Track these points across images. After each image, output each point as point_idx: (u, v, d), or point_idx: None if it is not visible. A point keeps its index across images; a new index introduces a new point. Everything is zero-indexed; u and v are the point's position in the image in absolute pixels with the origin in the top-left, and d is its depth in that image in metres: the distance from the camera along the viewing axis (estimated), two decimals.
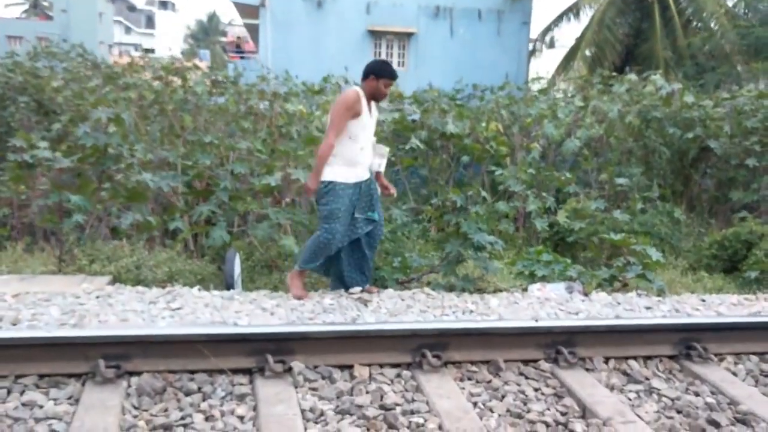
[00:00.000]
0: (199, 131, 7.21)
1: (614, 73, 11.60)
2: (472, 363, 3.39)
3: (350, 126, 4.54)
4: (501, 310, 4.49)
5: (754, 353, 3.70)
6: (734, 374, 3.49)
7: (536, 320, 3.52)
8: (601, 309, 4.64)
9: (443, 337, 3.34)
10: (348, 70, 7.91)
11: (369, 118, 4.66)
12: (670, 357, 3.61)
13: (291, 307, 4.37)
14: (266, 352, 3.14)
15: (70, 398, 2.87)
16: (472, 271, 5.39)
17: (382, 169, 4.86)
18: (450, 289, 5.11)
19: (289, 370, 3.14)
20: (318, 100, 7.80)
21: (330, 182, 4.55)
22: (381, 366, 3.30)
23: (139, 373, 3.04)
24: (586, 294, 5.11)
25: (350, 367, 3.26)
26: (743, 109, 9.96)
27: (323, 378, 3.16)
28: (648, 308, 4.72)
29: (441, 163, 9.01)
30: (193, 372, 3.11)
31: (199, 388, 3.02)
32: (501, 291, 5.19)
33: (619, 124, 9.32)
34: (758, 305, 4.94)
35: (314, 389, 3.07)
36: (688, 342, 3.60)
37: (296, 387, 3.06)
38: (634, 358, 3.57)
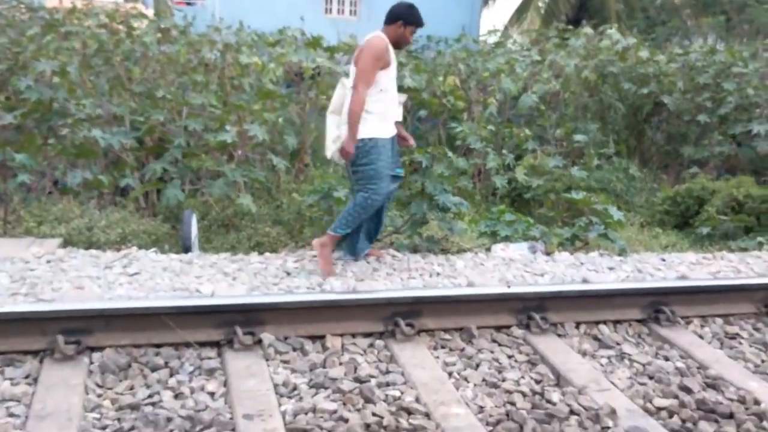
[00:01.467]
0: (149, 84, 6.88)
1: (569, 26, 11.53)
2: (445, 331, 3.35)
3: (380, 77, 4.14)
4: (468, 272, 4.45)
5: (718, 315, 3.76)
6: (701, 337, 3.54)
7: (508, 285, 3.48)
8: (565, 270, 4.64)
9: (416, 305, 3.28)
10: (304, 21, 7.63)
11: (395, 68, 4.28)
12: (639, 321, 3.63)
13: (254, 271, 4.25)
14: (235, 324, 3.03)
15: (27, 377, 2.71)
16: (436, 231, 5.33)
17: (401, 118, 4.58)
18: (414, 250, 5.04)
19: (259, 342, 3.04)
20: (273, 53, 7.51)
21: (370, 139, 4.17)
22: (353, 336, 3.23)
23: (101, 349, 2.90)
24: (548, 254, 5.12)
25: (322, 337, 3.18)
26: (695, 65, 10.06)
27: (294, 350, 3.07)
28: (611, 269, 4.75)
29: None
30: (158, 346, 2.98)
31: (166, 363, 2.89)
32: (465, 251, 5.15)
33: (575, 78, 9.31)
34: (716, 264, 5.02)
35: (286, 362, 2.98)
36: (656, 306, 3.63)
37: (267, 360, 2.96)
38: (604, 322, 3.58)
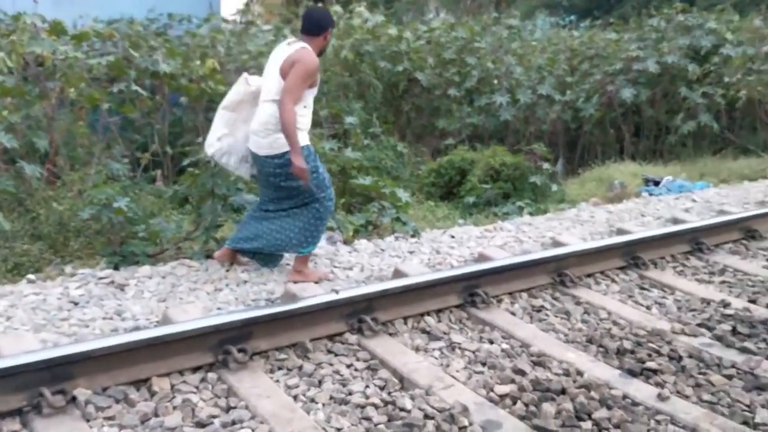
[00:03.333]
0: None
1: (319, 4, 11.55)
2: (278, 349, 3.14)
3: (306, 95, 3.99)
4: (276, 276, 4.25)
5: (523, 290, 4.00)
6: (513, 314, 3.73)
7: (336, 292, 3.35)
8: (370, 259, 4.64)
9: (246, 327, 3.02)
10: (38, 3, 6.67)
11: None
12: (458, 306, 3.73)
13: (31, 305, 3.64)
14: (39, 384, 2.54)
15: None
16: (227, 233, 5.00)
17: None
18: (208, 255, 4.69)
19: (74, 400, 2.58)
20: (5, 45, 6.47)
21: (307, 146, 4.03)
22: (181, 373, 2.89)
23: None
24: (346, 242, 5.09)
25: (146, 381, 2.80)
26: (440, 41, 10.66)
27: (118, 401, 2.66)
28: (411, 252, 4.85)
29: (154, 105, 8.22)
30: None
31: None
32: None
33: (333, 58, 9.34)
34: (499, 236, 5.36)
35: (111, 418, 2.57)
36: (471, 290, 3.75)
37: (88, 420, 2.53)
38: (428, 313, 3.62)
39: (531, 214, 6.88)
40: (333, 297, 3.31)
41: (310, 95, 4.06)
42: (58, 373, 2.60)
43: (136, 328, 3.33)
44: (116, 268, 4.38)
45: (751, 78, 9.13)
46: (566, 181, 9.22)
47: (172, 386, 2.80)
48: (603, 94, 10.12)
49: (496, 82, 10.26)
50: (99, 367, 2.69)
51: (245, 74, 4.28)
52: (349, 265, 4.50)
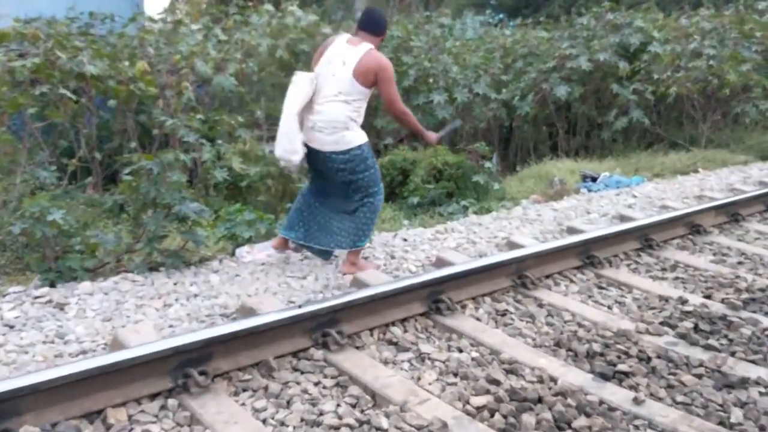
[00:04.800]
0: None
1: (248, 2, 11.24)
2: (241, 369, 2.95)
3: (369, 93, 4.27)
4: (228, 289, 4.04)
5: (486, 294, 3.92)
6: (478, 320, 3.64)
7: (300, 306, 3.18)
8: (323, 267, 4.49)
9: (206, 348, 2.83)
10: None
11: None
12: (423, 314, 3.62)
13: None
14: None
15: None
16: (170, 242, 4.74)
17: None
18: (151, 268, 4.44)
19: None
20: None
21: (366, 143, 4.29)
22: (138, 402, 2.67)
23: None
24: (296, 250, 4.90)
25: (101, 412, 2.57)
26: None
27: None
28: (365, 258, 4.71)
29: (80, 108, 7.80)
30: None
31: None
32: (208, 260, 4.68)
33: (268, 58, 9.10)
34: (451, 238, 5.28)
35: None
36: (434, 296, 3.64)
37: None
38: (393, 323, 3.49)
39: (476, 213, 6.85)
40: (296, 311, 3.13)
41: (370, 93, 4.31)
42: (2, 410, 2.35)
43: (83, 353, 3.09)
44: (53, 285, 4.08)
45: (679, 75, 9.38)
46: (504, 179, 9.26)
47: (130, 417, 2.58)
48: (538, 92, 10.21)
49: (431, 80, 10.22)
50: (47, 400, 2.44)
51: (309, 75, 4.22)
52: (302, 274, 4.33)
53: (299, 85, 4.17)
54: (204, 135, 6.65)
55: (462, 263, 3.96)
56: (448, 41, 11.67)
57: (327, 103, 4.14)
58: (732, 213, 5.67)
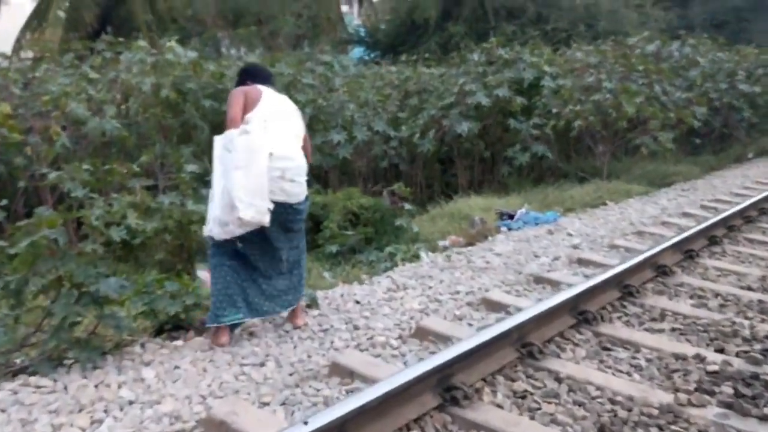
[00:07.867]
0: None
1: (119, 39, 10.12)
2: None
3: None
4: (171, 389, 3.14)
5: (495, 372, 3.28)
6: (501, 407, 2.99)
7: (306, 422, 2.39)
8: (278, 347, 3.68)
9: None
10: None
11: None
12: (437, 408, 2.92)
13: None
14: None
15: None
16: (83, 328, 3.73)
17: None
18: (60, 362, 3.43)
19: None
20: None
21: None
22: None
23: None
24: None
25: None
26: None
27: None
28: (324, 331, 3.95)
29: None
30: None
31: None
32: (127, 345, 3.73)
33: (152, 98, 8.10)
34: (407, 296, 4.62)
35: None
36: (444, 383, 2.97)
37: None
38: (408, 426, 2.77)
39: (405, 260, 6.23)
40: (302, 429, 2.35)
41: None
42: None
43: None
44: None
45: (579, 108, 9.35)
46: (413, 219, 8.74)
47: None
48: (438, 129, 9.87)
49: (326, 119, 9.63)
50: None
51: (258, 125, 3.68)
52: (257, 359, 3.51)
53: (253, 138, 3.59)
54: (92, 187, 5.61)
55: (467, 338, 3.29)
56: (337, 78, 11.14)
57: (298, 153, 3.84)
58: (685, 250, 5.43)
